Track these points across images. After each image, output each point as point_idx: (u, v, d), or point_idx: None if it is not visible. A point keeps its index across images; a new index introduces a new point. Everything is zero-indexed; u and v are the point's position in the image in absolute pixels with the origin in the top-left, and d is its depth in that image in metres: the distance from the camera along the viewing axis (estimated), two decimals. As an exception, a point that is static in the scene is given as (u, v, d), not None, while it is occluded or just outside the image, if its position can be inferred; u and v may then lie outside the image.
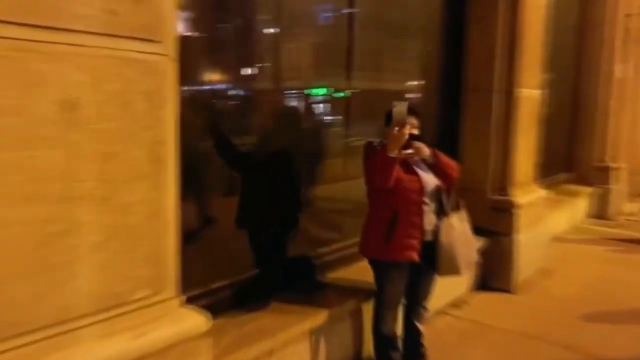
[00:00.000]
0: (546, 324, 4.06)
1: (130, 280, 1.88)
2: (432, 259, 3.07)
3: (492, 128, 4.66)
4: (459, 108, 4.76)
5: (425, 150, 2.99)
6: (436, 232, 3.05)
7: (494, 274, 4.72)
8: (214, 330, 2.66)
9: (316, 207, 3.75)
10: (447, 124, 4.79)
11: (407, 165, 3.01)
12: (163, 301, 1.98)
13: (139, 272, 1.90)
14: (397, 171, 2.92)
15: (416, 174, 3.00)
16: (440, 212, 3.07)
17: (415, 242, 2.98)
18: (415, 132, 3.01)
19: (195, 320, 2.05)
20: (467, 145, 4.78)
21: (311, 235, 3.64)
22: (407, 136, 2.75)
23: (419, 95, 4.78)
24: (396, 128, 2.72)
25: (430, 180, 3.03)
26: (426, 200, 3.00)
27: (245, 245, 3.19)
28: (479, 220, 4.68)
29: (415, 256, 2.98)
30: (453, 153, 4.70)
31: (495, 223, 4.70)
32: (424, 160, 3.07)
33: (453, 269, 3.10)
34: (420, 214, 2.98)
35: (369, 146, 3.03)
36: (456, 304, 4.39)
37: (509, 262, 4.68)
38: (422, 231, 2.99)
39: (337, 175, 3.96)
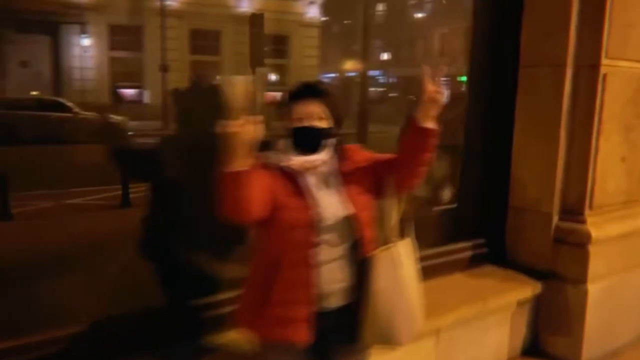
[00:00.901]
0: None
1: None
2: (349, 327, 1.87)
3: (564, 120, 3.09)
4: (511, 91, 3.25)
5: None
6: (358, 286, 1.85)
7: (552, 334, 3.20)
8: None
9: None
10: (492, 112, 3.32)
11: (301, 184, 1.81)
12: None
13: None
14: (275, 192, 1.76)
15: (308, 198, 1.79)
16: (360, 260, 1.84)
17: (301, 312, 1.79)
18: (321, 124, 1.81)
19: None
20: (522, 144, 3.25)
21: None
22: (252, 134, 1.57)
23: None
24: (230, 122, 1.55)
25: (334, 205, 1.80)
26: (326, 239, 1.79)
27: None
28: (536, 255, 3.22)
29: (298, 336, 1.80)
30: (501, 156, 3.27)
31: (559, 262, 3.16)
32: (347, 170, 1.86)
33: (387, 337, 1.88)
34: (307, 264, 1.77)
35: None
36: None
37: (576, 321, 3.11)
38: (313, 294, 1.78)
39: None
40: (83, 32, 16.73)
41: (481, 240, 3.31)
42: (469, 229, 3.30)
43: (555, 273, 3.17)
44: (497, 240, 3.34)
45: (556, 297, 3.15)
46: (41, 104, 13.09)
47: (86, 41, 16.69)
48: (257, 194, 1.68)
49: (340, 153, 1.89)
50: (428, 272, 3.01)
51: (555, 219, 3.17)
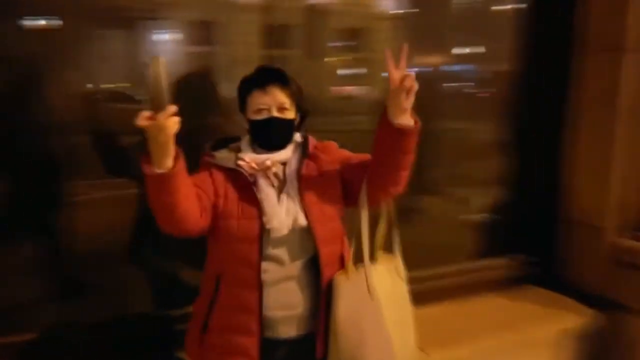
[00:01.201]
0: None
1: None
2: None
3: (625, 117, 2.57)
4: (562, 83, 2.75)
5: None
6: (319, 314, 1.55)
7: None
8: None
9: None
10: (539, 108, 2.83)
11: (251, 188, 1.50)
12: None
13: None
14: (217, 198, 1.47)
15: (256, 205, 1.47)
16: (322, 283, 1.51)
17: (243, 343, 1.51)
18: (285, 115, 1.53)
19: None
20: (575, 145, 2.75)
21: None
22: (171, 128, 1.25)
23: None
24: (144, 114, 1.24)
25: (287, 215, 1.48)
26: (275, 254, 1.47)
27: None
28: (589, 277, 2.73)
29: None
30: (550, 158, 2.80)
31: (618, 287, 2.65)
32: (310, 172, 1.56)
33: None
34: (251, 284, 1.45)
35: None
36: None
37: None
38: (258, 321, 1.47)
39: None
40: (159, 27, 17.19)
41: (524, 257, 2.85)
42: (510, 243, 2.84)
43: (614, 300, 2.66)
44: (544, 257, 2.86)
45: (614, 329, 2.64)
46: (106, 96, 13.53)
47: (162, 36, 17.15)
48: (189, 201, 1.38)
49: (305, 152, 1.56)
50: (453, 292, 2.65)
51: (614, 235, 2.66)
